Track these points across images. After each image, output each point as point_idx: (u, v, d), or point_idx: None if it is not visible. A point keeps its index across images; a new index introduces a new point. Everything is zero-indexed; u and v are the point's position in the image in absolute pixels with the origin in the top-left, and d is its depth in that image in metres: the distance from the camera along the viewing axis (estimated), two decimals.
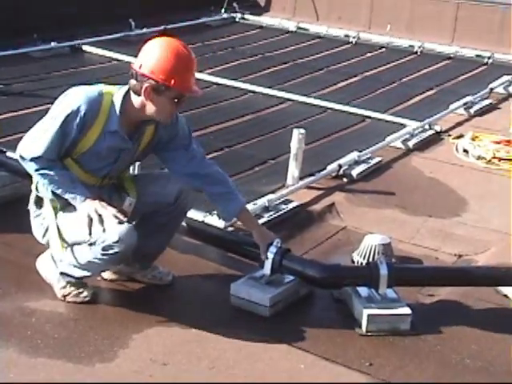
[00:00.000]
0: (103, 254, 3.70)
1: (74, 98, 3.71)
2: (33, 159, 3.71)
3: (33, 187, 3.96)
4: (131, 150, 3.92)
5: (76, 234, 3.78)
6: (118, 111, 3.75)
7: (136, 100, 3.76)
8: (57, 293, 3.96)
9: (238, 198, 4.12)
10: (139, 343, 3.64)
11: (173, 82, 3.68)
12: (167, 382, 3.40)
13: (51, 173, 3.73)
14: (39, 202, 3.94)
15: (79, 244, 3.80)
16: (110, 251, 3.68)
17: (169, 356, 3.56)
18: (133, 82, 3.74)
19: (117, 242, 3.66)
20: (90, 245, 3.73)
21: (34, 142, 3.72)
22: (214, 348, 3.65)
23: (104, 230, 3.68)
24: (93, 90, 3.76)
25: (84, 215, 3.71)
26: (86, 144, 3.76)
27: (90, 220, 3.70)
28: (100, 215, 3.70)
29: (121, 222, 3.70)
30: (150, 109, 3.75)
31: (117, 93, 3.78)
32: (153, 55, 3.70)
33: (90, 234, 3.70)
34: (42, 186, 3.86)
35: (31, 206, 3.98)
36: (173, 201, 3.99)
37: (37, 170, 3.74)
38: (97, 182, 3.93)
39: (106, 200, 3.81)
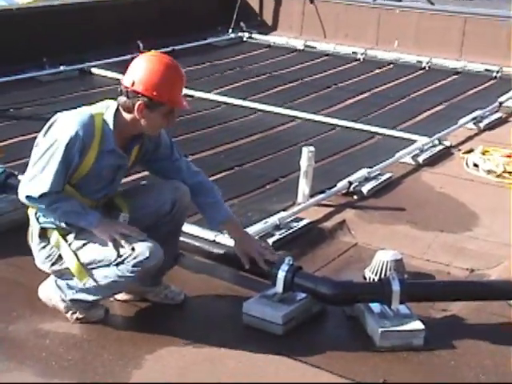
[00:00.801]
0: (133, 271, 3.72)
1: (69, 125, 3.69)
2: (41, 196, 3.69)
3: (33, 220, 3.92)
4: (126, 166, 3.96)
5: (100, 257, 3.78)
6: (111, 130, 3.76)
7: (127, 116, 3.78)
8: (69, 318, 3.96)
9: (223, 208, 4.16)
10: (152, 363, 3.64)
11: (166, 98, 3.71)
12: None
13: (61, 206, 3.73)
14: (44, 232, 3.91)
15: (103, 266, 3.79)
16: (141, 267, 3.71)
17: (182, 376, 3.56)
18: (123, 99, 3.76)
19: (147, 258, 3.70)
20: (117, 265, 3.74)
21: (39, 178, 3.69)
22: (227, 367, 3.64)
23: (133, 248, 3.70)
24: (83, 114, 3.75)
25: (106, 238, 3.74)
26: (86, 167, 3.76)
27: (114, 240, 3.73)
28: (122, 234, 3.73)
29: (144, 239, 3.75)
30: (142, 124, 3.77)
31: (106, 112, 3.79)
32: (144, 72, 3.72)
33: (119, 254, 3.72)
34: (43, 217, 3.86)
35: (35, 239, 3.93)
36: (169, 209, 4.00)
37: (47, 207, 3.74)
38: (93, 205, 3.92)
39: None
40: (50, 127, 3.77)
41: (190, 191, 4.08)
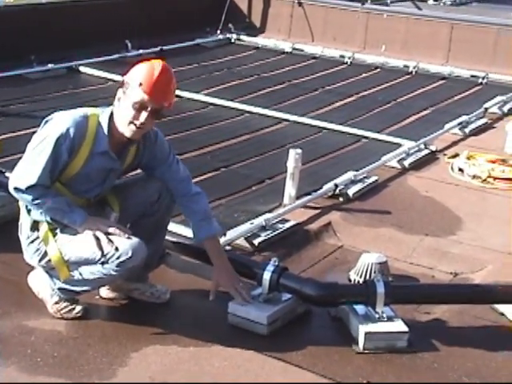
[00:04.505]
0: (117, 270, 3.75)
1: (61, 122, 3.74)
2: (28, 188, 3.71)
3: (24, 213, 3.94)
4: (118, 170, 3.98)
5: (85, 256, 3.80)
6: (105, 131, 3.79)
7: None
8: (49, 308, 3.98)
9: (211, 225, 4.14)
10: (138, 361, 3.65)
11: (140, 83, 3.72)
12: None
13: (47, 201, 3.75)
14: (35, 225, 3.92)
15: (88, 264, 3.81)
16: (125, 266, 3.74)
17: (167, 374, 3.57)
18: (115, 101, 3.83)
19: (130, 257, 3.72)
20: (103, 263, 3.76)
21: (27, 171, 3.72)
22: (212, 366, 3.65)
23: (116, 248, 3.73)
24: (78, 113, 3.80)
25: (90, 237, 3.76)
26: (75, 167, 3.79)
27: (98, 240, 3.74)
28: (105, 233, 3.75)
29: (129, 237, 3.77)
30: (115, 116, 3.79)
31: (102, 114, 3.83)
32: (137, 68, 3.80)
33: (103, 253, 3.74)
34: (34, 211, 3.87)
35: (25, 232, 3.95)
36: (156, 198, 4.04)
37: (33, 200, 3.75)
38: (85, 203, 3.95)
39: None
40: (45, 124, 3.81)
41: (183, 203, 4.14)
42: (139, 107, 3.75)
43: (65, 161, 3.74)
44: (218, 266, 4.14)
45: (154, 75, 3.75)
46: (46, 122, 3.82)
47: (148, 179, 4.10)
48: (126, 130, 3.80)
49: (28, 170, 3.73)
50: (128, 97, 3.75)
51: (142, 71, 3.76)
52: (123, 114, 3.77)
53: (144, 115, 3.76)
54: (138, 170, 4.23)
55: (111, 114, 3.82)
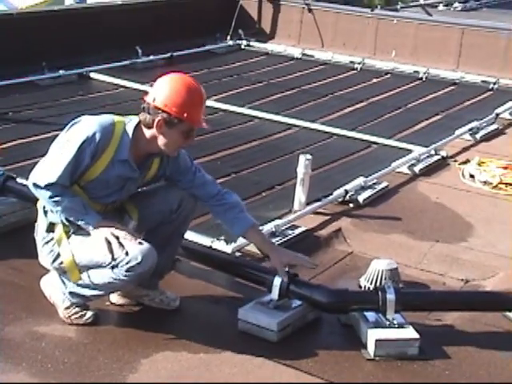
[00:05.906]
0: (126, 275, 3.75)
1: (88, 126, 3.78)
2: (47, 185, 3.74)
3: (41, 214, 3.97)
4: (137, 180, 4.00)
5: (95, 259, 3.81)
6: (129, 141, 3.82)
7: (147, 132, 3.84)
8: (60, 313, 3.99)
9: (247, 218, 4.18)
10: (147, 368, 3.65)
11: (185, 115, 3.78)
12: None
13: (64, 200, 3.77)
14: (51, 227, 3.94)
15: (98, 268, 3.82)
16: (134, 272, 3.74)
17: (177, 381, 3.56)
18: (144, 115, 3.83)
19: (139, 263, 3.72)
20: (112, 267, 3.77)
21: (48, 169, 3.76)
22: (222, 372, 3.65)
23: (127, 253, 3.73)
24: (105, 119, 3.84)
25: (102, 240, 3.76)
26: (95, 172, 3.82)
27: (109, 243, 3.75)
28: (117, 237, 3.76)
29: (140, 243, 3.77)
30: (160, 141, 3.84)
31: (128, 123, 3.86)
32: (166, 89, 3.80)
33: (113, 257, 3.74)
34: (51, 212, 3.89)
35: (41, 233, 3.98)
36: (175, 207, 4.06)
37: (50, 198, 3.77)
38: (101, 208, 3.96)
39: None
40: (72, 126, 3.85)
41: (215, 211, 4.21)
42: (189, 134, 3.89)
43: (86, 164, 3.77)
44: (274, 248, 4.28)
45: (196, 103, 3.86)
46: (73, 124, 3.86)
47: (169, 188, 4.12)
48: (173, 152, 3.94)
49: (49, 168, 3.76)
50: (176, 128, 3.81)
51: (183, 99, 3.78)
52: (172, 141, 3.85)
53: (192, 137, 3.92)
54: None
55: (137, 124, 3.85)
